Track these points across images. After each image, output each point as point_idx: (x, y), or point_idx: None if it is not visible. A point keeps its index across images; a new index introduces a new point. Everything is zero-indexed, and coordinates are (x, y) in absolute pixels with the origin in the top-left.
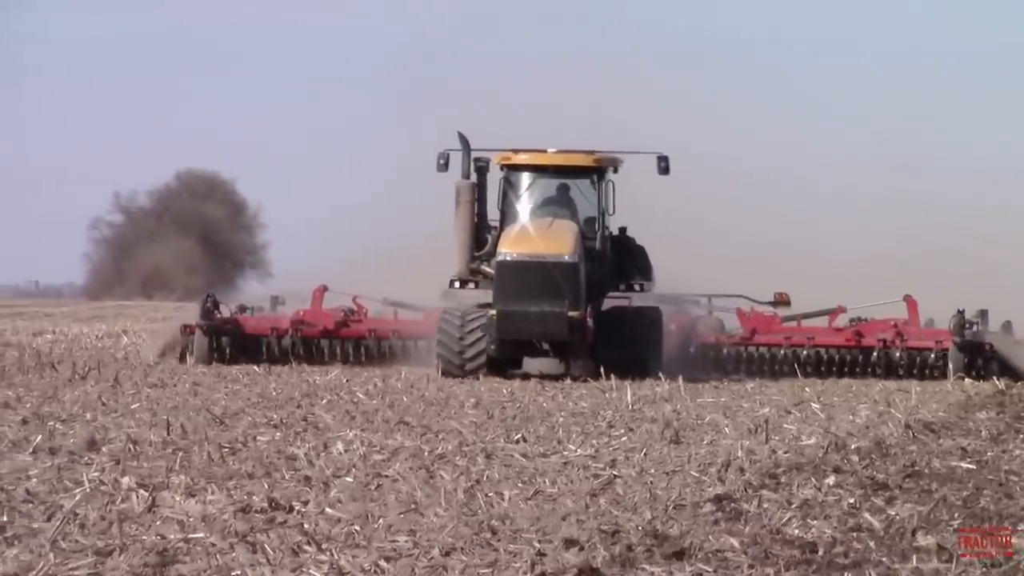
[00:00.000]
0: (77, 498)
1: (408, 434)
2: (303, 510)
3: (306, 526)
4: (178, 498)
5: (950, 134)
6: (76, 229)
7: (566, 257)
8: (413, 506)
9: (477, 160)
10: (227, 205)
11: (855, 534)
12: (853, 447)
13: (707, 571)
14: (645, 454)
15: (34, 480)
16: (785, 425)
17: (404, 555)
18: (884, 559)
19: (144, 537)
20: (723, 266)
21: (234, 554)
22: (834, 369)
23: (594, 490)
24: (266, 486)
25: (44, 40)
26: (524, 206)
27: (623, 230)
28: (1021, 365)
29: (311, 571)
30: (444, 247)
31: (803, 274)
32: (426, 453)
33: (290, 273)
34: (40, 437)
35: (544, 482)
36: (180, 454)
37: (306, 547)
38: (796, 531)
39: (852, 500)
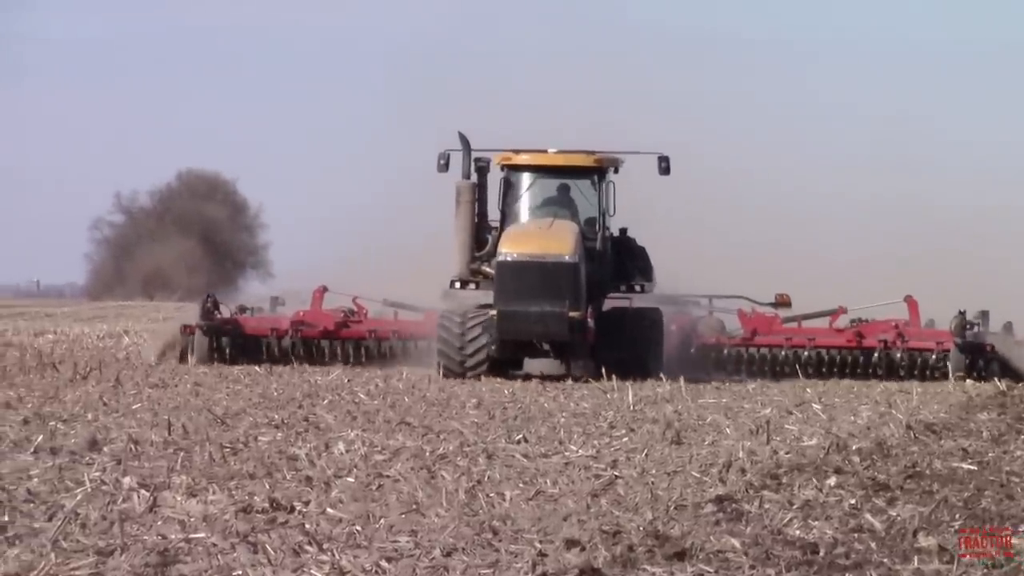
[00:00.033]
0: (78, 498)
1: (409, 434)
2: (304, 510)
3: (307, 526)
4: (179, 498)
5: (950, 134)
6: (77, 229)
7: (566, 257)
8: (414, 506)
9: (477, 160)
10: (228, 205)
11: (856, 535)
12: (854, 448)
13: (708, 572)
14: (646, 455)
15: (35, 480)
16: (786, 426)
17: (405, 555)
18: (885, 560)
19: (145, 537)
20: (724, 267)
21: (235, 554)
22: (835, 370)
23: (595, 490)
24: (267, 486)
25: (45, 40)
26: (524, 206)
27: (624, 231)
28: (1022, 366)
29: (312, 571)
30: (444, 247)
31: (803, 274)
32: (427, 453)
33: (291, 273)
34: (41, 437)
35: (545, 482)
36: (181, 454)
37: (307, 547)
38: (797, 532)
39: (853, 501)
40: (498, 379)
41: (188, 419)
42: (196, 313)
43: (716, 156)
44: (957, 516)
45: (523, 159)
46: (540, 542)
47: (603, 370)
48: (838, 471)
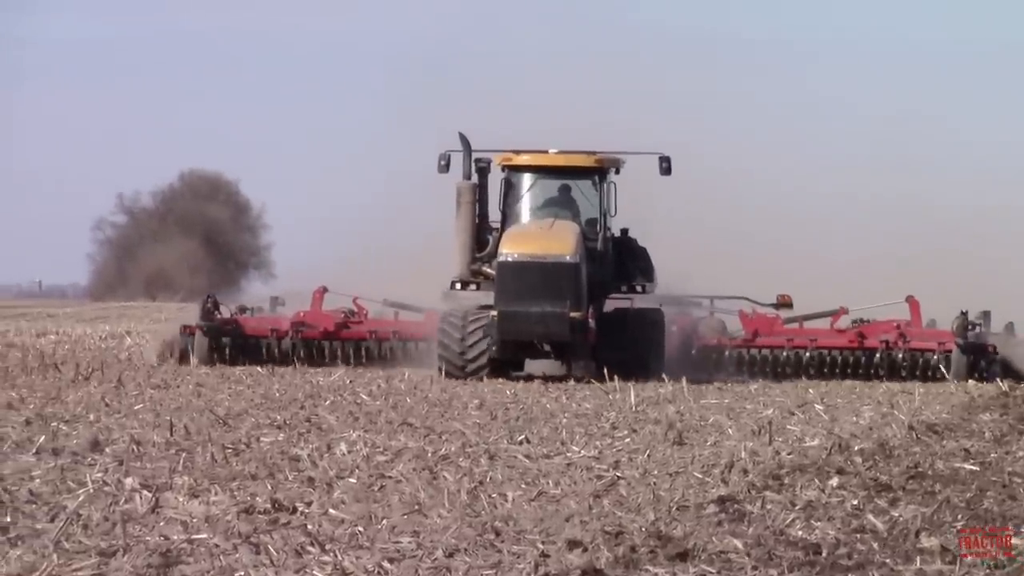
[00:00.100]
0: (80, 499)
1: (411, 435)
2: (306, 511)
3: (309, 527)
4: (181, 499)
5: (950, 134)
6: (80, 230)
7: (567, 258)
8: (416, 507)
9: (478, 161)
10: (231, 206)
11: (858, 535)
12: (856, 448)
13: (710, 572)
14: (648, 455)
15: (37, 481)
16: (789, 426)
17: (407, 556)
18: (887, 560)
19: (147, 538)
20: (725, 267)
21: (237, 555)
22: (837, 371)
23: (597, 491)
24: (269, 487)
25: (48, 42)
26: (525, 207)
27: (625, 231)
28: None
29: (314, 572)
30: (445, 248)
31: (803, 274)
32: (429, 454)
33: (292, 273)
34: (43, 438)
35: (547, 483)
36: (183, 455)
37: (309, 548)
38: (800, 532)
39: (855, 501)
40: (500, 380)
41: (190, 420)
42: (196, 314)
43: (717, 156)
44: (959, 517)
45: (524, 159)
46: (542, 543)
47: (605, 371)
48: (840, 472)
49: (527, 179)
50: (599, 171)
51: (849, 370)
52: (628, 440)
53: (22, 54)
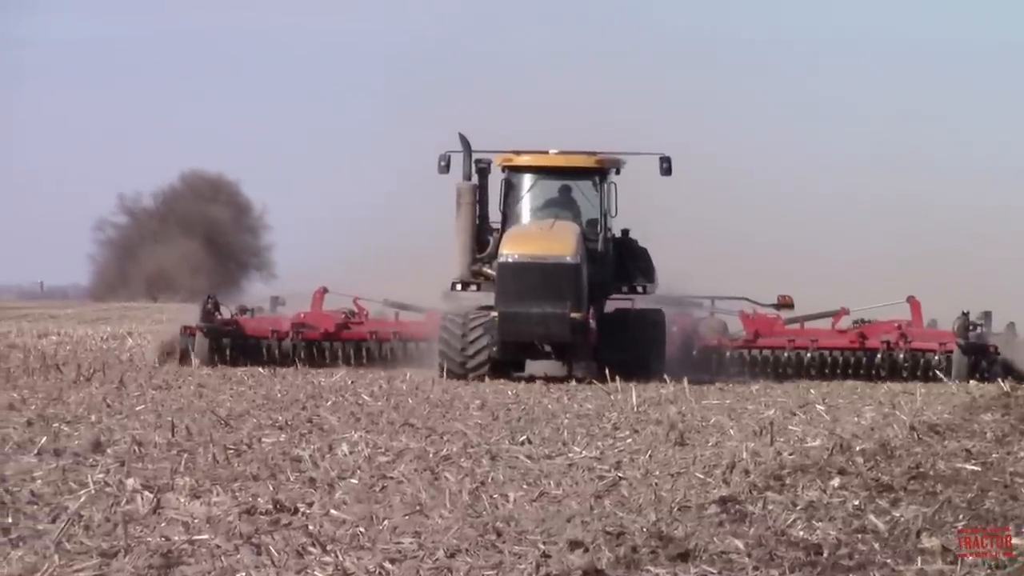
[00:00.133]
0: (82, 500)
1: (413, 436)
2: (308, 512)
3: (311, 528)
4: (183, 500)
5: (950, 134)
6: (81, 230)
7: (568, 258)
8: (418, 508)
9: (478, 161)
10: (232, 206)
11: (860, 536)
12: (858, 449)
13: (712, 573)
14: (650, 456)
15: (39, 482)
16: (790, 427)
17: (409, 557)
18: (889, 561)
19: (149, 539)
20: (725, 267)
21: (239, 556)
22: (838, 371)
23: (599, 492)
24: (271, 488)
25: (48, 42)
26: (526, 207)
27: (626, 232)
28: None
29: (316, 573)
30: (445, 249)
31: (803, 274)
32: (431, 455)
33: (293, 274)
34: (45, 439)
35: (549, 484)
36: (185, 456)
37: (311, 549)
38: (801, 533)
39: (857, 502)
40: (501, 380)
41: (192, 421)
42: (196, 314)
43: (717, 156)
44: (961, 517)
45: (524, 160)
46: (544, 543)
47: (607, 371)
48: (842, 472)
49: (527, 180)
50: (599, 171)
51: (850, 371)
52: (630, 441)
53: (22, 54)
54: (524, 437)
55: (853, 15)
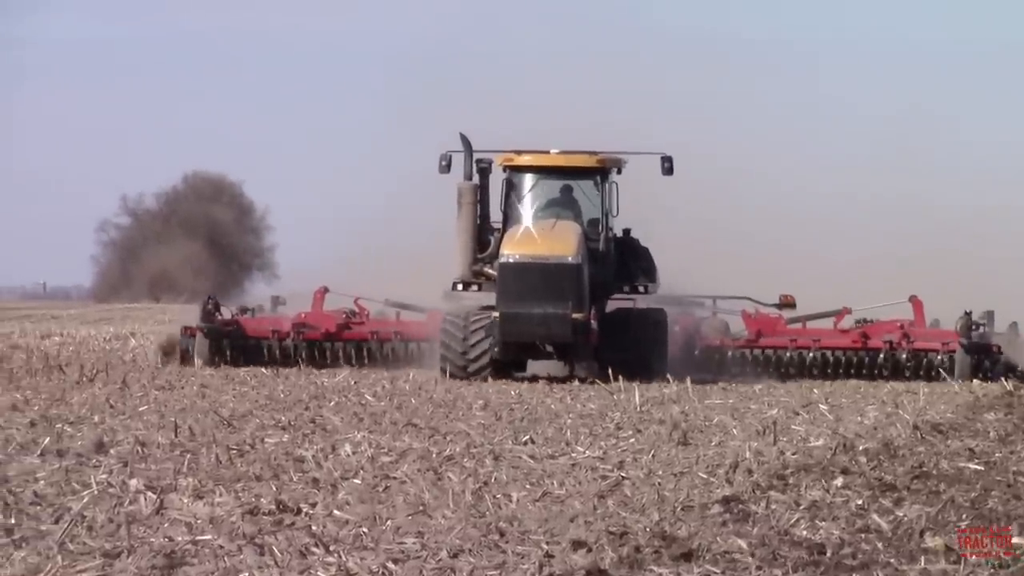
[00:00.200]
0: (85, 500)
1: (416, 436)
2: (311, 512)
3: (314, 528)
4: (186, 500)
5: (950, 134)
6: (84, 231)
7: (569, 258)
8: (421, 508)
9: (479, 161)
10: (234, 208)
11: (863, 535)
12: (861, 448)
13: (715, 572)
14: (653, 456)
15: (42, 482)
16: (793, 426)
17: (412, 557)
18: (892, 560)
19: (152, 539)
20: (727, 267)
21: (242, 556)
22: (841, 371)
23: (602, 491)
24: (274, 488)
25: (48, 42)
26: (527, 207)
27: (627, 231)
28: None
29: (319, 573)
30: (446, 249)
31: (804, 274)
32: (434, 455)
33: (295, 274)
34: (48, 439)
35: (552, 484)
36: (188, 456)
37: (314, 549)
38: (804, 532)
39: (860, 501)
40: (504, 380)
41: (195, 421)
42: (197, 315)
43: (718, 156)
44: (964, 516)
45: (525, 160)
46: (547, 543)
47: (609, 371)
48: (845, 471)
49: (529, 179)
50: (601, 171)
51: (853, 370)
52: (632, 440)
53: (22, 54)
54: (527, 437)
55: (853, 15)
